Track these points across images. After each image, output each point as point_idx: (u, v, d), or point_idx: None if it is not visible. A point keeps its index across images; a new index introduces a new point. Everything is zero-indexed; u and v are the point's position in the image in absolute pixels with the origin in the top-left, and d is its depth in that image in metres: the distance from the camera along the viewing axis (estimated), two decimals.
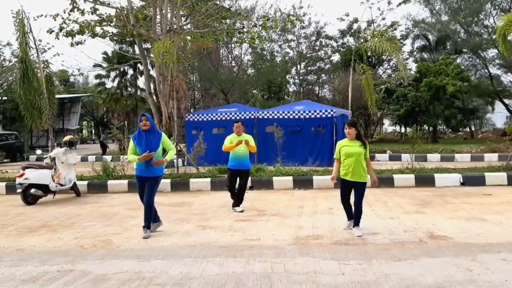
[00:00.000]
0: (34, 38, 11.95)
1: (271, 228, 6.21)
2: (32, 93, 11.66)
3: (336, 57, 33.06)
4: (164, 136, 5.99)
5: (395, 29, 29.90)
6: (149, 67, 19.18)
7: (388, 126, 45.54)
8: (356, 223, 5.72)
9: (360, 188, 5.69)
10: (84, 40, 15.66)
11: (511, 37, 11.90)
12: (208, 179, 10.50)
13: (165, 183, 10.09)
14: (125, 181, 10.53)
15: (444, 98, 26.14)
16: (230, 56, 30.78)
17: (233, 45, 28.28)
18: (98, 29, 15.48)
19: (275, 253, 4.93)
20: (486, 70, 30.11)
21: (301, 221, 6.57)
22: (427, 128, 29.06)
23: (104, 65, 28.52)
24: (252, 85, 28.99)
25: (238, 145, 7.27)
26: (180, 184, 10.41)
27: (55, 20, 14.56)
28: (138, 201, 6.18)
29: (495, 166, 11.21)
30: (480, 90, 28.86)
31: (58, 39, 14.75)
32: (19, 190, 8.88)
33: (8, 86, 25.24)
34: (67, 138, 10.29)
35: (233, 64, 30.53)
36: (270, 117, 15.13)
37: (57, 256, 5.08)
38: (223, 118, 15.62)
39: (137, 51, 20.31)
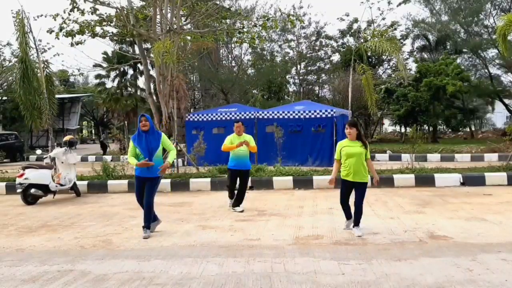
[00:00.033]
0: (34, 38, 11.97)
1: (271, 228, 6.21)
2: (32, 93, 11.66)
3: (336, 57, 33.12)
4: (164, 136, 5.98)
5: (395, 29, 29.94)
6: (149, 67, 19.17)
7: (388, 126, 45.54)
8: (356, 223, 5.71)
9: (361, 188, 5.67)
10: (84, 40, 15.66)
11: (511, 37, 11.90)
12: (208, 179, 10.50)
13: (165, 183, 10.09)
14: (125, 181, 10.53)
15: (444, 98, 26.14)
16: (230, 56, 30.81)
17: (233, 45, 28.29)
18: (98, 29, 15.47)
19: (275, 253, 4.93)
20: (486, 70, 30.11)
21: (301, 221, 6.57)
22: (427, 128, 29.06)
23: (104, 65, 28.53)
24: (252, 85, 28.99)
25: (239, 147, 7.27)
26: (180, 184, 10.41)
27: (55, 20, 14.55)
28: None
29: (495, 166, 11.21)
30: (480, 90, 28.85)
31: (58, 39, 14.75)
32: (19, 190, 8.88)
33: (8, 86, 25.22)
34: (67, 138, 10.28)
35: (233, 64, 30.54)
36: (270, 117, 15.13)
37: (57, 256, 5.08)
38: (223, 118, 15.62)
39: (137, 51, 20.31)
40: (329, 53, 33.19)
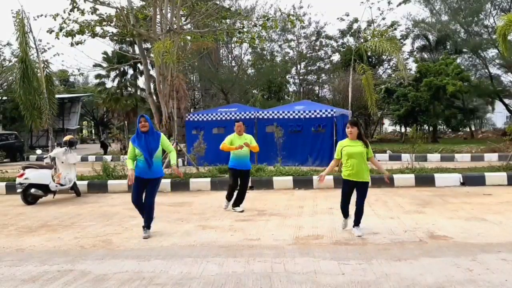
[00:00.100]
0: (34, 38, 11.96)
1: (271, 228, 6.21)
2: (32, 93, 11.65)
3: (336, 57, 33.14)
4: (163, 136, 5.96)
5: (395, 29, 29.97)
6: (149, 67, 19.16)
7: (388, 126, 45.56)
8: (357, 223, 5.68)
9: (363, 188, 5.62)
10: (84, 40, 15.66)
11: (511, 37, 11.90)
12: (208, 179, 10.50)
13: (165, 183, 10.09)
14: (125, 181, 10.47)
15: (444, 98, 26.14)
16: (230, 56, 30.82)
17: (233, 45, 28.31)
18: (98, 29, 15.46)
19: (275, 253, 4.93)
20: (486, 70, 30.11)
21: (301, 221, 6.57)
22: (427, 128, 29.08)
23: (104, 65, 28.47)
24: (252, 85, 29.00)
25: (238, 149, 7.26)
26: (180, 184, 10.41)
27: (55, 20, 14.55)
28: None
29: (495, 166, 11.22)
30: (480, 90, 28.86)
31: (58, 39, 14.74)
32: (19, 190, 8.88)
33: (8, 86, 25.23)
34: (67, 138, 10.28)
35: (233, 64, 30.55)
36: (270, 117, 15.13)
37: (57, 256, 5.08)
38: (223, 118, 15.62)
39: (137, 51, 20.28)
40: (329, 53, 33.26)
